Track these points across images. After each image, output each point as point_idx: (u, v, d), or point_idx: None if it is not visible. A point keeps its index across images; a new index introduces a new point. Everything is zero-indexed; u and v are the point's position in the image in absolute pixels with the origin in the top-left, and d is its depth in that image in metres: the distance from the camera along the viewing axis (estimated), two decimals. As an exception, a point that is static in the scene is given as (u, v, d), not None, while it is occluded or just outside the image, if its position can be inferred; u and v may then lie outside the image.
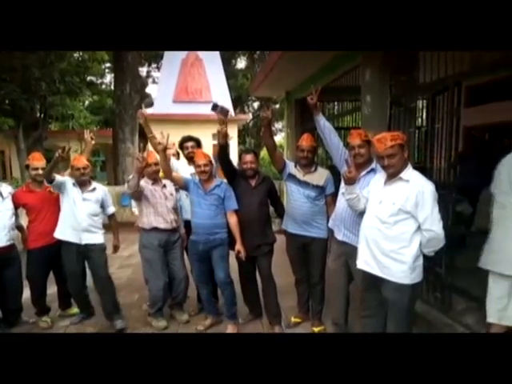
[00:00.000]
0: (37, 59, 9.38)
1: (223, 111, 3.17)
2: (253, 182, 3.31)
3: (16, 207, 3.45)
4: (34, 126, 10.84)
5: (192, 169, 3.54)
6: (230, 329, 3.36)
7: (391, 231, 2.26)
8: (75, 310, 3.81)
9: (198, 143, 3.80)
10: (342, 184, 2.68)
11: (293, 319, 3.50)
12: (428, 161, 3.48)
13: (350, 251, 2.70)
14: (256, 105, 22.61)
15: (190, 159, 3.71)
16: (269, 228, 3.44)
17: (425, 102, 4.45)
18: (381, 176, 2.45)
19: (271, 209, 3.52)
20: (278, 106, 18.72)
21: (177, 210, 3.59)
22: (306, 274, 3.37)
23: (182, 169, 3.64)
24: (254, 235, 3.24)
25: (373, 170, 2.65)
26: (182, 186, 3.35)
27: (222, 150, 3.21)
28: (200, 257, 3.32)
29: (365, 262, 2.44)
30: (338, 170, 2.95)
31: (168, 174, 3.26)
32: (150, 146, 3.89)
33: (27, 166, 3.50)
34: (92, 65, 11.72)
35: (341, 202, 2.79)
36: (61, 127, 14.08)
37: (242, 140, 18.97)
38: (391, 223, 2.25)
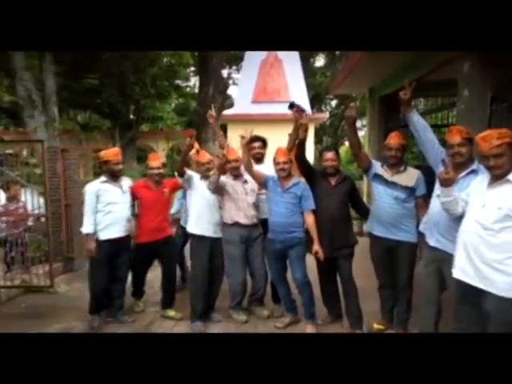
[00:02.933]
0: (132, 65, 10.28)
1: (299, 110, 3.21)
2: (333, 181, 3.24)
3: (133, 199, 3.69)
4: (128, 126, 11.88)
5: (261, 168, 3.57)
6: (309, 329, 3.34)
7: (495, 239, 2.05)
8: (173, 312, 3.73)
9: (265, 143, 3.81)
10: (437, 185, 2.50)
11: (375, 325, 3.36)
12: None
13: (444, 258, 2.51)
14: (334, 103, 22.15)
15: (257, 160, 3.74)
16: (350, 229, 3.35)
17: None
18: (483, 178, 2.23)
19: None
20: (357, 103, 18.14)
21: (258, 206, 3.62)
22: (391, 280, 3.20)
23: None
24: (335, 236, 3.17)
25: (474, 171, 2.42)
26: (261, 182, 3.40)
27: (301, 146, 3.21)
28: (277, 255, 3.35)
29: (462, 271, 2.24)
30: (428, 170, 2.76)
31: (249, 168, 3.32)
32: (230, 143, 4.00)
33: (146, 166, 3.73)
34: (179, 69, 12.48)
35: (435, 204, 2.60)
36: (150, 128, 15.21)
37: (318, 139, 18.70)
38: (496, 230, 2.04)
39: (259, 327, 3.52)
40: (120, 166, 3.49)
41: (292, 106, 3.27)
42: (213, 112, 3.62)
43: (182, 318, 3.66)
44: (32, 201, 4.75)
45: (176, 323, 3.62)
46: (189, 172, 3.48)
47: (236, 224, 3.48)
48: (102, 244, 3.41)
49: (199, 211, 3.50)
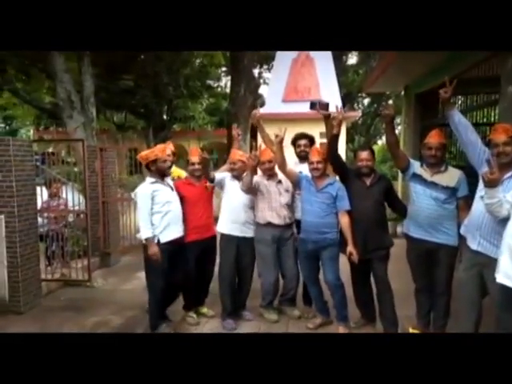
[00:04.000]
0: (165, 66, 10.51)
1: (322, 106, 3.13)
2: (368, 181, 3.17)
3: None
4: (161, 126, 12.18)
5: (302, 167, 3.53)
6: (342, 331, 3.28)
7: (544, 243, 1.94)
8: (205, 309, 3.77)
9: (312, 141, 3.74)
10: (481, 187, 2.38)
11: (411, 330, 3.25)
12: None
13: (486, 262, 2.39)
14: (366, 101, 21.72)
15: (302, 157, 3.68)
16: (385, 230, 3.27)
17: None
18: (532, 178, 2.11)
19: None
20: (390, 101, 17.73)
21: (291, 206, 3.58)
22: (428, 283, 3.08)
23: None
24: (369, 238, 3.10)
25: None
26: (294, 181, 3.37)
27: (334, 140, 3.14)
28: (309, 256, 3.32)
29: (506, 276, 2.13)
30: (469, 170, 2.64)
31: (283, 167, 3.30)
32: (263, 144, 3.98)
33: (187, 162, 3.64)
34: (211, 69, 12.65)
35: (477, 206, 2.48)
36: (182, 128, 15.50)
37: (350, 138, 18.39)
38: (544, 233, 1.93)
39: (290, 327, 3.50)
40: (168, 164, 3.37)
41: (313, 105, 3.19)
42: (258, 111, 3.63)
43: (214, 316, 3.70)
44: (72, 198, 4.94)
45: (208, 320, 3.67)
46: (218, 176, 3.50)
47: (269, 224, 3.47)
48: (163, 247, 3.22)
49: (227, 210, 3.54)
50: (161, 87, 11.02)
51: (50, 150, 6.07)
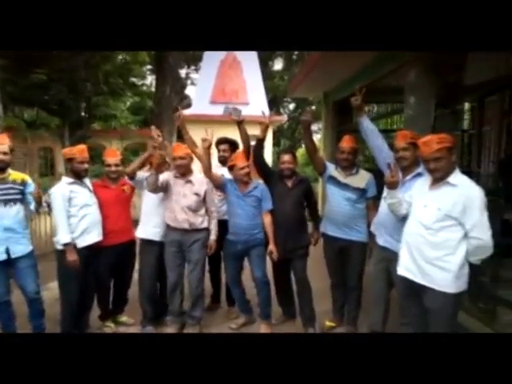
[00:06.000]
0: (83, 61, 9.85)
1: (236, 113, 3.28)
2: (289, 183, 3.29)
3: None
4: (78, 124, 11.37)
5: (223, 170, 3.53)
6: (264, 329, 3.37)
7: (436, 238, 2.18)
8: (124, 318, 3.64)
9: (234, 145, 3.73)
10: (385, 188, 2.61)
11: (327, 323, 3.45)
12: (475, 165, 3.34)
13: (392, 257, 2.62)
14: (291, 106, 22.58)
15: (223, 162, 3.68)
16: (305, 230, 3.42)
17: (471, 104, 4.27)
18: (425, 180, 2.36)
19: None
20: (313, 107, 18.64)
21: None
22: (342, 278, 3.30)
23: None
24: (289, 237, 3.21)
25: (419, 174, 2.53)
26: (218, 185, 3.32)
27: (259, 145, 3.25)
28: (236, 257, 3.35)
29: (406, 269, 2.36)
30: (381, 173, 2.87)
31: (207, 171, 3.24)
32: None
33: (102, 162, 3.41)
34: (134, 67, 12.14)
35: (383, 206, 2.71)
36: (103, 126, 14.65)
37: (276, 141, 18.96)
38: (436, 229, 2.17)
39: (213, 329, 3.50)
40: (85, 166, 3.14)
41: (226, 109, 3.31)
42: (181, 112, 3.45)
43: (134, 324, 3.55)
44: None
45: (128, 329, 3.51)
46: (139, 175, 3.32)
47: (168, 225, 3.31)
48: (80, 252, 3.04)
49: (148, 214, 3.37)
50: (78, 83, 10.30)
51: None
